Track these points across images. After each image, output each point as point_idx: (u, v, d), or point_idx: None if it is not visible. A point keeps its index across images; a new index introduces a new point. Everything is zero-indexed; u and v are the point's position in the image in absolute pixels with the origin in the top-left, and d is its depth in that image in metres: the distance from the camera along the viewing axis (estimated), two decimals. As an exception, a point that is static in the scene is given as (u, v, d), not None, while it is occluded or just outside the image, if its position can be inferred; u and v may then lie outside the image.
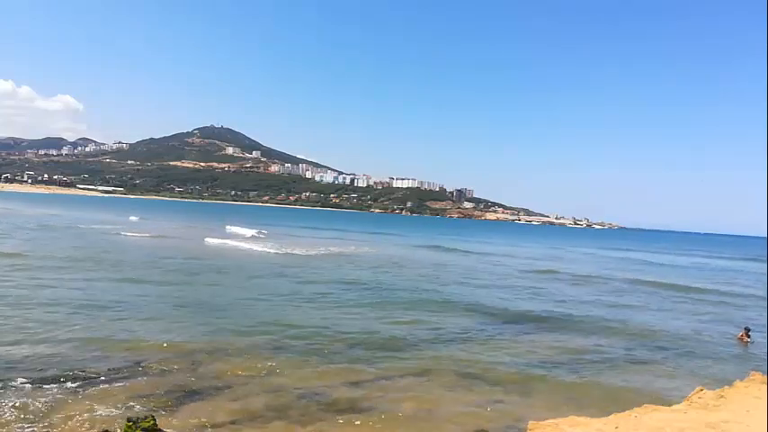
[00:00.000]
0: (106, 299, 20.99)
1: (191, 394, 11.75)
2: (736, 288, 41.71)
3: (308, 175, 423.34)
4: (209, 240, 53.19)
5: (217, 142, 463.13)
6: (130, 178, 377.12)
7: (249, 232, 66.32)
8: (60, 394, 11.23)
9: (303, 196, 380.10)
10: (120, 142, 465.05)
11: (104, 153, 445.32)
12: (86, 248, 37.94)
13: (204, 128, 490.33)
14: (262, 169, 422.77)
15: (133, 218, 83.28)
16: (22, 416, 10.07)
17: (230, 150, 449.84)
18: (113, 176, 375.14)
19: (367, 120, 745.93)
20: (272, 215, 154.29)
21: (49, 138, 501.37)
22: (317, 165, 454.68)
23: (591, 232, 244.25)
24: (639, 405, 10.30)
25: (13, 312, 17.67)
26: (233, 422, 10.52)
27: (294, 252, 46.92)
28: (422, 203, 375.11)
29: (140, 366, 13.27)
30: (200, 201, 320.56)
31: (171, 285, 25.61)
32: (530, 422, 9.28)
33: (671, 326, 23.98)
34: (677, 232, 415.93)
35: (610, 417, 9.60)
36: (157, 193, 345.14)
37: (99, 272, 27.88)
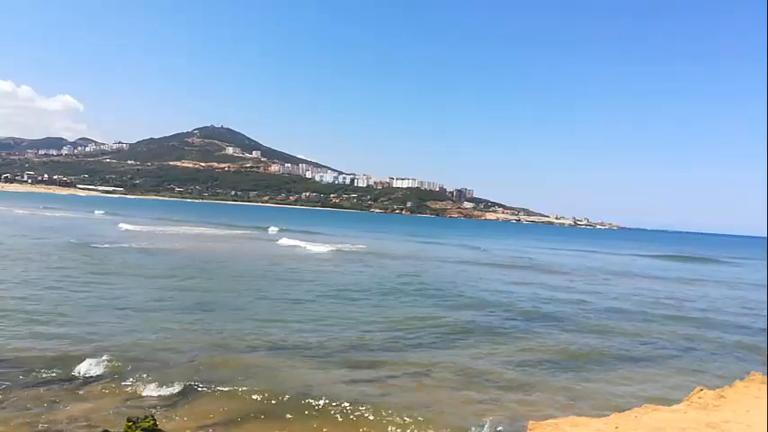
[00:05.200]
0: (103, 298, 21.02)
1: (191, 394, 11.75)
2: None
3: (308, 175, 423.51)
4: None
5: (217, 142, 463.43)
6: (130, 178, 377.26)
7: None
8: (60, 394, 11.23)
9: (303, 196, 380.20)
10: (120, 142, 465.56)
11: (104, 153, 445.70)
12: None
13: (204, 128, 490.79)
14: (262, 169, 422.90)
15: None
16: (22, 416, 10.08)
17: (230, 150, 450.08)
18: (113, 176, 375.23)
19: (367, 120, 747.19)
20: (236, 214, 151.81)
21: (49, 138, 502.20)
22: (317, 165, 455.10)
23: (579, 231, 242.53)
24: (639, 405, 10.30)
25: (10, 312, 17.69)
26: (233, 422, 10.53)
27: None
28: (422, 203, 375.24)
29: (140, 366, 13.26)
30: (201, 201, 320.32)
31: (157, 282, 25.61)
32: (530, 422, 9.28)
33: (666, 326, 23.99)
34: (674, 232, 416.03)
35: (610, 417, 9.60)
36: (157, 193, 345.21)
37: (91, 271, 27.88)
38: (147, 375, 12.66)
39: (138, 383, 12.11)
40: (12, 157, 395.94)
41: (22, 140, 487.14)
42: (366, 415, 11.33)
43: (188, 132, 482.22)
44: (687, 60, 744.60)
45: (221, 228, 77.69)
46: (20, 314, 17.43)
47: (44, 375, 12.15)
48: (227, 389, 12.21)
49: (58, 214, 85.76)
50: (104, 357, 13.63)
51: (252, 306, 21.96)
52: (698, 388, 11.08)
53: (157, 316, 18.79)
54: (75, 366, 12.81)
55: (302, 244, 54.46)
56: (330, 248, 51.56)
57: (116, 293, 22.23)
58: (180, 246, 45.32)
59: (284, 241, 58.60)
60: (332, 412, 11.35)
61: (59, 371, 12.48)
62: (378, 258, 46.98)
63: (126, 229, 59.03)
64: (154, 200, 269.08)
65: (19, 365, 12.66)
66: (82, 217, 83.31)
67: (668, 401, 11.28)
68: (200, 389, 12.08)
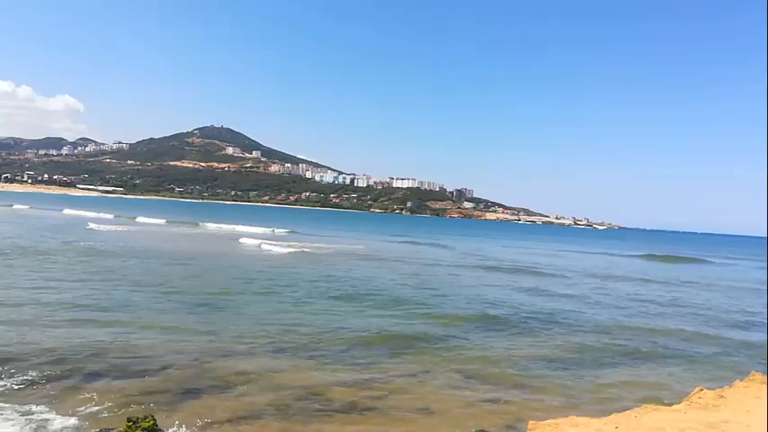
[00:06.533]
0: (103, 298, 21.02)
1: (191, 394, 11.76)
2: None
3: (308, 175, 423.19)
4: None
5: (217, 142, 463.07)
6: (130, 178, 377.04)
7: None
8: (60, 394, 11.23)
9: (303, 196, 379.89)
10: (120, 142, 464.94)
11: (104, 153, 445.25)
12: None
13: (204, 128, 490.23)
14: (262, 169, 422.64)
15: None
16: (21, 416, 10.07)
17: (230, 150, 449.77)
18: (113, 176, 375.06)
19: (367, 120, 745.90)
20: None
21: (49, 138, 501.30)
22: (317, 165, 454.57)
23: (577, 231, 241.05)
24: (639, 405, 10.31)
25: (10, 311, 17.69)
26: (233, 422, 10.53)
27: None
28: (422, 203, 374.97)
29: (140, 366, 13.26)
30: (201, 201, 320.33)
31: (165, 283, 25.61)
32: (530, 422, 9.29)
33: (670, 325, 24.01)
34: (673, 232, 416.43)
35: (610, 417, 9.62)
36: (157, 193, 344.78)
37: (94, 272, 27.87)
38: (146, 376, 12.68)
39: (136, 383, 12.11)
40: (12, 157, 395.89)
41: (22, 140, 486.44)
42: (366, 416, 11.34)
43: (188, 132, 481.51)
44: (688, 61, 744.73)
45: (194, 227, 76.53)
46: (9, 314, 17.46)
47: (43, 375, 12.15)
48: (226, 389, 12.22)
49: (32, 213, 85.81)
50: (103, 357, 13.66)
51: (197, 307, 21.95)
52: (698, 388, 11.10)
53: (148, 316, 18.82)
54: (73, 366, 12.83)
55: (268, 244, 51.95)
56: (293, 249, 49.16)
57: (88, 294, 22.25)
58: (144, 245, 44.60)
59: (249, 241, 56.23)
60: (332, 413, 11.35)
61: (58, 370, 12.48)
62: (345, 258, 46.56)
63: (91, 228, 58.76)
64: (151, 200, 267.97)
65: (17, 365, 12.67)
66: (55, 216, 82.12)
67: (668, 401, 11.30)
68: (199, 389, 12.08)
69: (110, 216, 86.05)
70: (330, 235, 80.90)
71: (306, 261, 40.98)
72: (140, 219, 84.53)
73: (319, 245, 57.49)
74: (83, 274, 26.47)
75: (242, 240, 56.79)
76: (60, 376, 12.20)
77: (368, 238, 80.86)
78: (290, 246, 51.25)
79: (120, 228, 63.21)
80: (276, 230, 77.58)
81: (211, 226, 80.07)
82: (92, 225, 61.48)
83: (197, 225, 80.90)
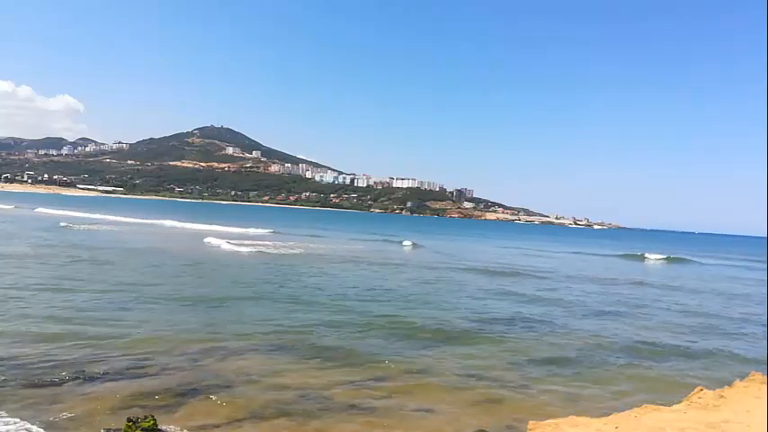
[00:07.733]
0: (103, 297, 21.02)
1: (191, 394, 11.75)
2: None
3: (308, 175, 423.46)
4: None
5: (217, 142, 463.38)
6: (130, 178, 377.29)
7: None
8: (59, 394, 11.23)
9: (303, 196, 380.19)
10: (120, 142, 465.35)
11: (104, 153, 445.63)
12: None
13: (204, 128, 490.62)
14: (262, 169, 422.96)
15: None
16: (21, 416, 10.07)
17: (230, 150, 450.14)
18: (113, 176, 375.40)
19: (367, 120, 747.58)
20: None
21: (49, 138, 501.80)
22: (317, 165, 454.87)
23: (575, 231, 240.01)
24: (639, 405, 10.31)
25: (9, 311, 17.68)
26: (233, 422, 10.52)
27: None
28: (422, 203, 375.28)
29: (140, 366, 13.27)
30: (200, 201, 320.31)
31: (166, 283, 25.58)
32: (530, 422, 9.29)
33: (669, 325, 24.01)
34: (671, 232, 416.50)
35: (610, 417, 9.62)
36: (157, 193, 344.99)
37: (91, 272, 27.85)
38: (147, 376, 12.68)
39: (138, 384, 12.11)
40: (12, 157, 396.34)
41: (22, 140, 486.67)
42: (366, 416, 11.33)
43: (188, 132, 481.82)
44: (688, 61, 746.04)
45: (162, 227, 74.47)
46: (15, 314, 17.46)
47: (44, 375, 12.15)
48: (227, 390, 12.22)
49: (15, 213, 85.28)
50: (104, 358, 13.66)
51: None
52: (698, 388, 11.10)
53: (147, 314, 18.82)
54: (74, 366, 12.82)
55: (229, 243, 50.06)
56: (255, 249, 47.02)
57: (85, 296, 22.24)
58: (94, 244, 42.74)
59: (213, 240, 53.51)
60: (332, 413, 11.35)
61: (59, 371, 12.48)
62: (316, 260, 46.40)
63: (64, 226, 58.31)
64: (150, 200, 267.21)
65: (18, 365, 12.67)
66: (31, 215, 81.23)
67: (668, 401, 11.29)
68: (200, 389, 12.08)
69: (83, 215, 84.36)
70: (314, 234, 78.73)
71: (258, 261, 39.60)
72: (111, 218, 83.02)
73: (290, 244, 55.45)
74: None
75: (206, 240, 54.32)
76: (60, 376, 12.19)
77: (358, 237, 79.72)
78: (253, 246, 49.46)
79: (95, 227, 61.51)
80: (256, 230, 74.67)
81: (179, 225, 77.48)
82: (63, 224, 61.24)
83: (164, 225, 77.96)
